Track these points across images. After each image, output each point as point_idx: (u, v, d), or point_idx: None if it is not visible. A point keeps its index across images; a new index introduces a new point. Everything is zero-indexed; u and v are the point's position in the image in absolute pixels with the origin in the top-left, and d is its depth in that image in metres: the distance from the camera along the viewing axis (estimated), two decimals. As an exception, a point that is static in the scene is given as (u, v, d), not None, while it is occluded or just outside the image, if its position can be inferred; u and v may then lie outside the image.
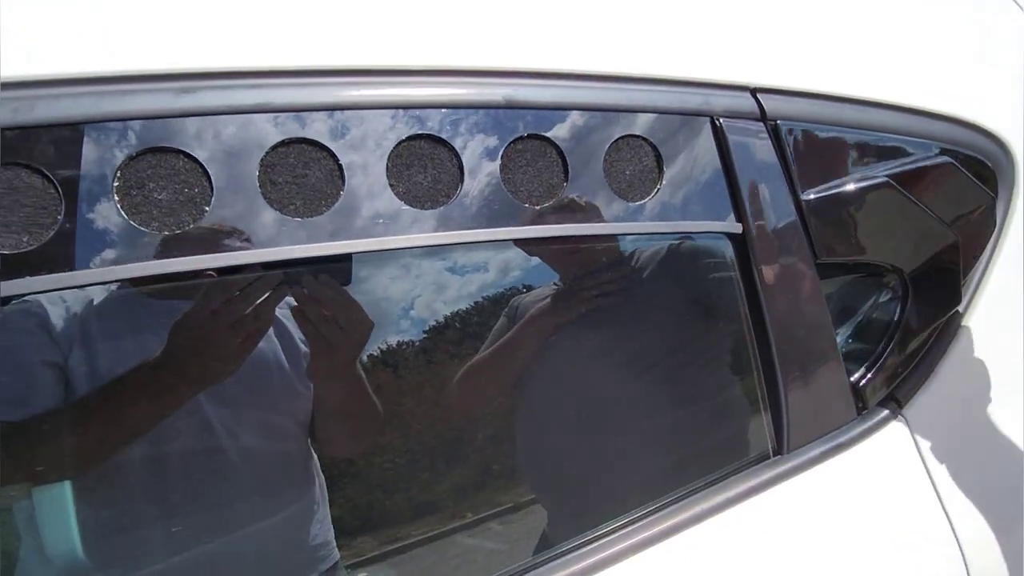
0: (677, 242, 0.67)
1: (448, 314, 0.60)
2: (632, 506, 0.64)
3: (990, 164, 0.76)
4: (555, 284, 0.64)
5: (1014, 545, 0.74)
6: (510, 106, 0.57)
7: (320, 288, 0.53)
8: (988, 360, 0.76)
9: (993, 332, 0.76)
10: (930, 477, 0.73)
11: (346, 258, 0.52)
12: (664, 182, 0.62)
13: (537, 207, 0.57)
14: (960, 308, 0.76)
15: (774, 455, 0.68)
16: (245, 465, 0.56)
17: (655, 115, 0.62)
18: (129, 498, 0.52)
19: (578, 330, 0.66)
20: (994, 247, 0.77)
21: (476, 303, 0.61)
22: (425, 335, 0.59)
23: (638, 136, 0.61)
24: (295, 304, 0.53)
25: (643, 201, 0.61)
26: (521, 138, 0.57)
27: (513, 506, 0.64)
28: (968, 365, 0.76)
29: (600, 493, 0.69)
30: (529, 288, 0.62)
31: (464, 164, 0.55)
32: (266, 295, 0.51)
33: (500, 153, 0.56)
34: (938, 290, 0.74)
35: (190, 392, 0.52)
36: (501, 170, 0.56)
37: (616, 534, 0.62)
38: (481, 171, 0.56)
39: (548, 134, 0.58)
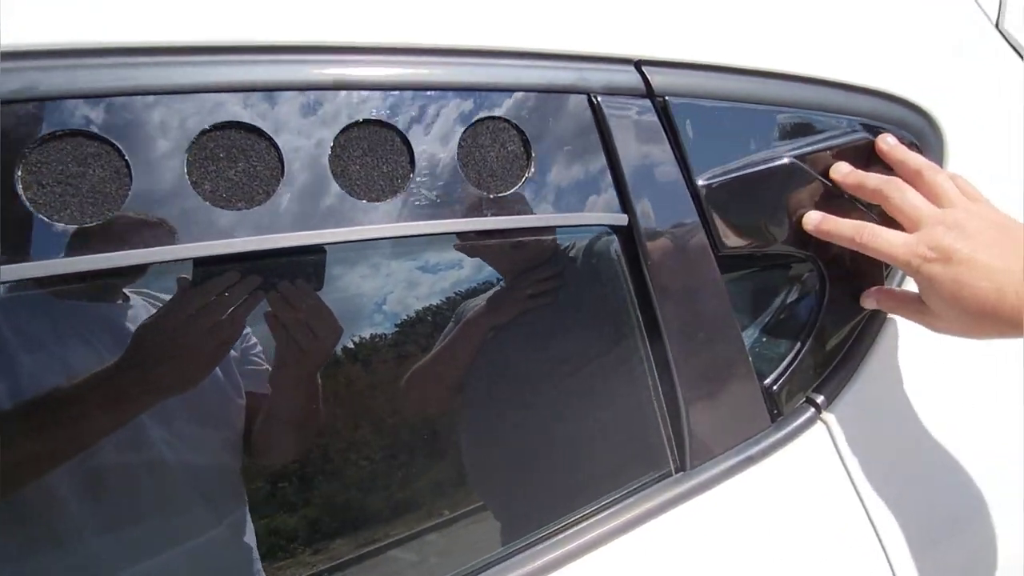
0: (595, 237, 0.60)
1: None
2: (518, 534, 0.57)
3: (915, 139, 0.69)
4: (493, 285, 0.58)
5: (944, 555, 0.67)
6: (342, 87, 0.49)
7: (295, 292, 0.49)
8: (917, 355, 0.70)
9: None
10: (854, 486, 0.67)
11: (318, 260, 0.50)
12: (533, 170, 0.55)
13: (377, 202, 0.50)
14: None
15: (676, 472, 0.62)
16: (186, 479, 0.52)
17: (521, 94, 0.54)
18: (56, 517, 0.47)
19: (496, 337, 0.59)
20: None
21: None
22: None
23: (500, 118, 0.53)
24: (269, 308, 0.49)
25: (507, 192, 0.54)
26: (356, 124, 0.49)
27: (453, 517, 0.59)
28: (895, 361, 0.69)
29: (491, 517, 0.62)
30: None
31: (284, 156, 0.47)
32: (244, 297, 0.48)
33: (330, 142, 0.48)
34: (859, 280, 0.67)
35: (151, 403, 0.49)
36: (331, 161, 0.48)
37: (501, 564, 0.56)
38: (307, 163, 0.48)
39: (389, 119, 0.50)
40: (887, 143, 0.65)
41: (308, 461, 0.54)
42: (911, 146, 0.69)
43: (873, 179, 0.62)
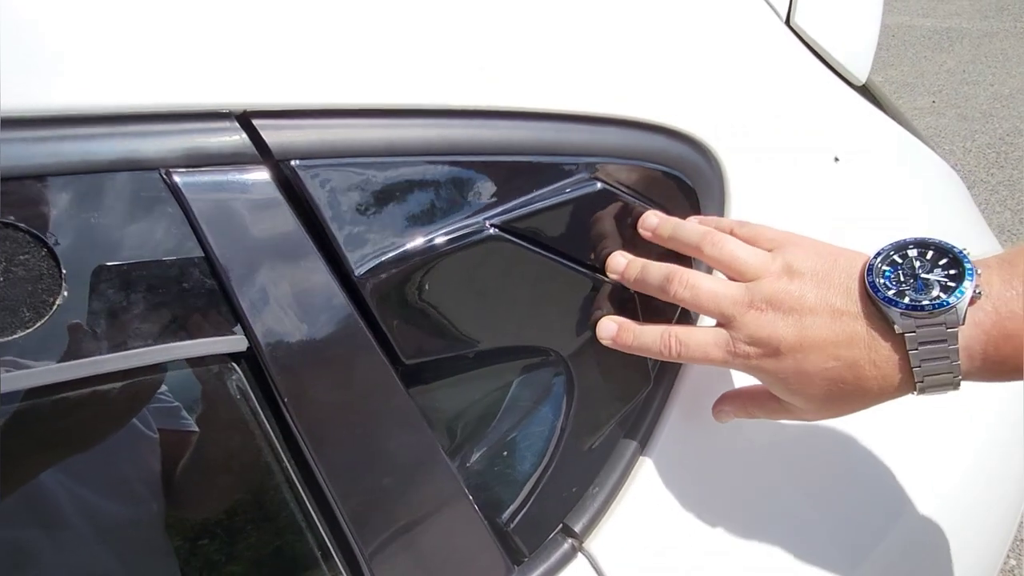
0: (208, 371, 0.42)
1: None
2: None
3: (687, 178, 0.54)
4: None
5: None
6: None
7: None
8: (700, 455, 0.55)
9: (706, 416, 0.54)
10: (634, 631, 0.52)
11: None
12: (67, 294, 0.36)
13: None
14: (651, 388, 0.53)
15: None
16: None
17: (30, 183, 0.36)
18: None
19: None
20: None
21: None
22: None
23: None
24: None
25: (22, 333, 0.36)
26: None
27: None
28: (673, 465, 0.54)
29: None
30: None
31: None
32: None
33: None
34: (617, 370, 0.52)
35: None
36: None
37: None
38: None
39: None
40: (648, 225, 0.51)
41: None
42: (683, 188, 0.54)
43: (654, 274, 0.49)
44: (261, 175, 0.40)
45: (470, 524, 0.47)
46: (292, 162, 0.40)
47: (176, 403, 0.42)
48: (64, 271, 0.36)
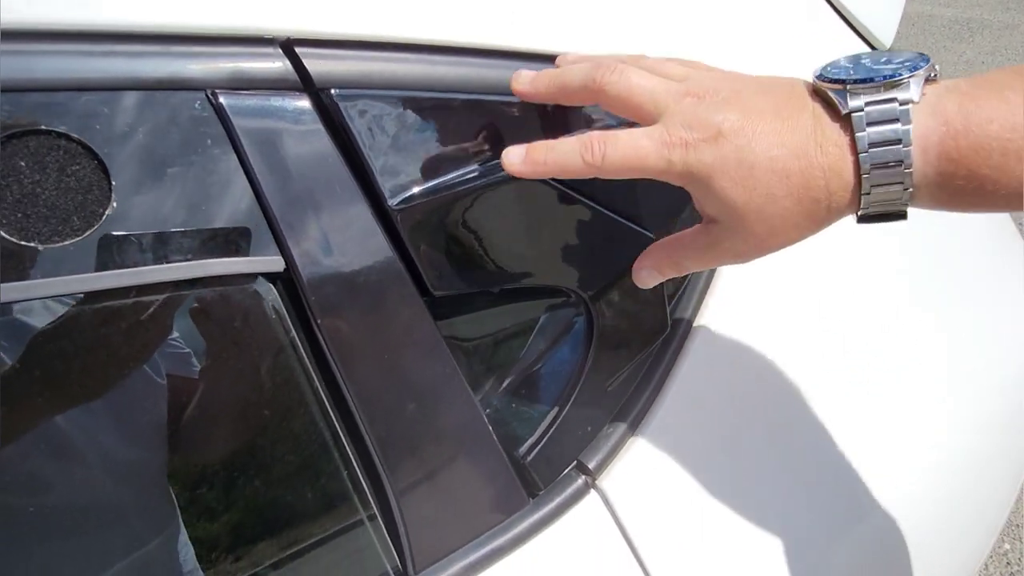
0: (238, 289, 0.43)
1: None
2: None
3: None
4: None
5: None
6: None
7: None
8: (715, 399, 0.56)
9: (720, 364, 0.56)
10: (643, 568, 0.54)
11: None
12: (115, 205, 0.38)
13: None
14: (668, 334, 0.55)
15: (393, 583, 0.47)
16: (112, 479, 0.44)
17: (84, 95, 0.37)
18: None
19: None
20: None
21: None
22: None
23: (49, 132, 0.36)
24: None
25: (72, 240, 0.37)
26: None
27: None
28: (687, 408, 0.56)
29: None
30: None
31: None
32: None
33: None
34: (635, 314, 0.53)
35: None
36: None
37: None
38: None
39: None
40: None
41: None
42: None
43: (576, 72, 0.42)
44: (302, 102, 0.41)
45: (490, 454, 0.49)
46: (332, 91, 0.41)
47: (187, 349, 0.43)
48: (113, 183, 0.37)
